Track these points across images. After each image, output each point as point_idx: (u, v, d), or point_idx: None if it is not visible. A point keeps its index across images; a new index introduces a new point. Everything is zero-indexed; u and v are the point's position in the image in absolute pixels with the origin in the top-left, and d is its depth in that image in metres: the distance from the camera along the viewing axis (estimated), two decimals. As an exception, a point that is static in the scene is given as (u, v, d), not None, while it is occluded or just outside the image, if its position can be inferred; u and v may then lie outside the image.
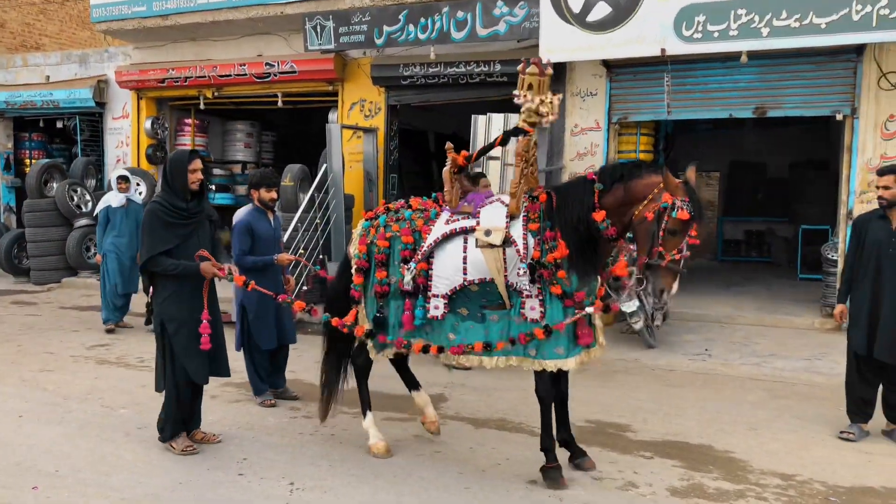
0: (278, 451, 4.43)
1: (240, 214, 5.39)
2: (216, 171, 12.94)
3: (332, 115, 10.76)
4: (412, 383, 4.59)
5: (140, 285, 7.80)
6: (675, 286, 3.61)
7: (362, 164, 10.24)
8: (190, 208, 4.29)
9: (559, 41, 8.02)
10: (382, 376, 4.98)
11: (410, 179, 12.49)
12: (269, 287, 4.67)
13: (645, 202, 3.61)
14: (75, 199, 11.41)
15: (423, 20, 9.00)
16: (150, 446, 4.45)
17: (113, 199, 8.10)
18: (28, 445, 4.50)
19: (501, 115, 8.11)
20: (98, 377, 6.13)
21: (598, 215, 3.69)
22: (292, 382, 5.75)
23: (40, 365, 6.53)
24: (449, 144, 4.27)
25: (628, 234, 3.83)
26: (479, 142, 8.11)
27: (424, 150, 13.75)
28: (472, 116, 8.34)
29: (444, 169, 4.22)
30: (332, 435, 4.72)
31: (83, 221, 11.26)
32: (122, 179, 8.12)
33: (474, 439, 4.67)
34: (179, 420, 4.38)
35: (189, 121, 12.52)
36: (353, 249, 4.30)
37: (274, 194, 5.46)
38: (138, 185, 10.51)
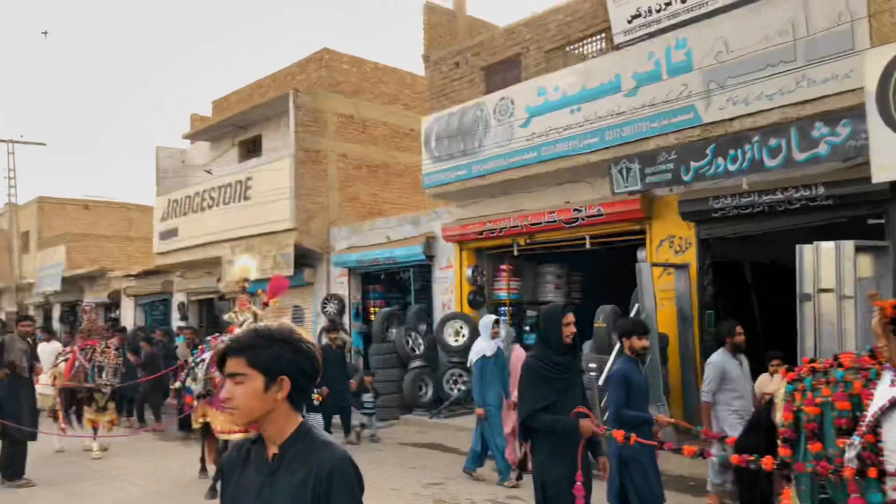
0: None
1: (614, 364, 5.35)
2: (529, 312, 13.62)
3: (640, 254, 10.80)
4: None
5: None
6: None
7: (675, 302, 10.00)
8: (565, 362, 4.28)
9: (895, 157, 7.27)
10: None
11: (728, 315, 11.83)
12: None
13: None
14: (410, 342, 12.78)
15: (731, 152, 8.81)
16: None
17: (487, 347, 7.98)
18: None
19: (832, 244, 7.40)
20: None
21: None
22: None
23: (388, 502, 7.18)
24: (871, 291, 3.71)
25: None
26: (807, 275, 7.47)
27: (741, 282, 13.01)
28: (797, 247, 7.75)
29: (873, 322, 3.52)
30: None
31: (416, 363, 12.51)
32: (496, 324, 8.05)
33: None
34: None
35: (504, 266, 13.47)
36: (778, 417, 3.74)
37: (646, 342, 5.29)
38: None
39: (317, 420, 9.97)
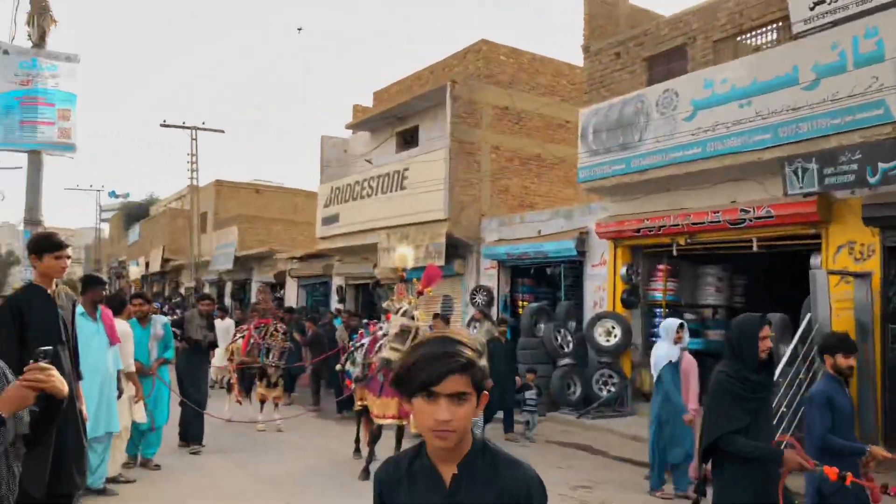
0: None
1: (816, 386, 4.76)
2: (687, 316, 13.04)
3: (814, 260, 10.02)
4: None
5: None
6: None
7: (853, 313, 9.19)
8: (760, 380, 3.91)
9: None
10: None
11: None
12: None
13: None
14: (559, 339, 12.64)
15: (928, 152, 7.96)
16: None
17: (671, 352, 7.34)
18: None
19: None
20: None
21: None
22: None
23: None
24: None
25: None
26: None
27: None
28: None
29: None
30: None
31: (565, 361, 12.36)
32: (680, 328, 7.50)
33: None
34: None
35: (661, 266, 12.98)
36: None
37: (853, 361, 4.68)
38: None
39: (478, 415, 9.95)
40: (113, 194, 51.60)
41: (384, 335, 8.10)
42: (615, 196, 12.97)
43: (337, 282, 21.64)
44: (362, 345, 8.53)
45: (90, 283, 6.35)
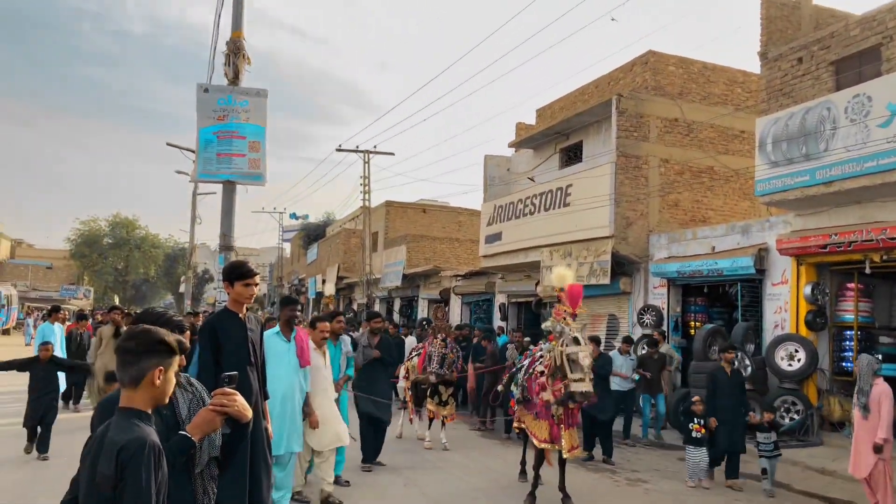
0: None
1: None
2: (882, 340, 11.85)
3: None
4: None
5: None
6: None
7: None
8: None
9: None
10: None
11: None
12: None
13: None
14: (736, 363, 11.86)
15: None
16: None
17: None
18: None
19: None
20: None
21: None
22: None
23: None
24: None
25: None
26: None
27: None
28: None
29: None
30: None
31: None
32: None
33: None
34: None
35: (851, 285, 11.88)
36: None
37: None
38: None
39: (701, 455, 8.84)
40: (294, 216, 55.42)
41: (541, 356, 8.03)
42: (798, 209, 12.06)
43: (500, 299, 21.80)
44: (523, 366, 8.50)
45: (284, 303, 6.69)
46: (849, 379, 11.12)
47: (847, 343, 11.89)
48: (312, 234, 49.94)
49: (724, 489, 8.79)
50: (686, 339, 14.57)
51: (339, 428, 7.18)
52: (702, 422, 8.81)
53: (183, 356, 2.69)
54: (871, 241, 10.51)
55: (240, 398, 2.77)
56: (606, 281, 15.05)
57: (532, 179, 19.93)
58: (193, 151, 13.20)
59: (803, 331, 11.87)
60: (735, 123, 16.82)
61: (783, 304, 12.44)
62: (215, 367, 4.48)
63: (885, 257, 10.67)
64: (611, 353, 12.16)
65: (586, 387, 6.97)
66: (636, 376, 12.05)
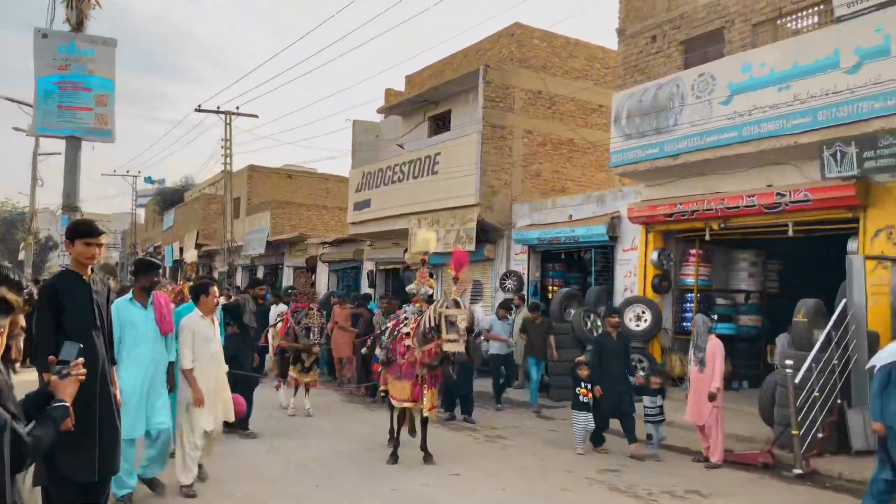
0: None
1: None
2: (719, 301, 12.91)
3: (851, 244, 9.83)
4: None
5: None
6: None
7: (889, 298, 9.01)
8: None
9: None
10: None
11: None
12: None
13: None
14: (588, 324, 12.58)
15: (974, 135, 7.73)
16: None
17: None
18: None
19: None
20: (611, 505, 6.37)
21: None
22: None
23: (561, 484, 7.19)
24: None
25: None
26: None
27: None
28: None
29: None
30: None
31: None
32: None
33: None
34: None
35: (693, 251, 12.83)
36: None
37: None
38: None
39: (586, 419, 8.70)
40: (149, 180, 52.43)
41: (405, 318, 8.14)
42: (648, 180, 12.82)
43: (368, 266, 21.77)
44: (388, 328, 8.55)
45: (141, 269, 6.03)
46: (688, 338, 12.05)
47: (688, 305, 12.86)
48: (169, 200, 47.48)
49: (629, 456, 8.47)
50: (545, 303, 15.22)
51: (228, 402, 6.67)
52: (588, 386, 8.74)
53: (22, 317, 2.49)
54: (711, 210, 11.37)
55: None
56: (472, 248, 15.39)
57: (401, 146, 19.92)
58: (31, 106, 12.07)
59: (650, 294, 12.72)
60: (594, 97, 17.56)
61: (632, 268, 13.25)
62: (56, 330, 4.20)
63: (723, 225, 11.59)
64: (489, 318, 12.47)
65: (459, 347, 7.17)
66: (513, 340, 12.39)
